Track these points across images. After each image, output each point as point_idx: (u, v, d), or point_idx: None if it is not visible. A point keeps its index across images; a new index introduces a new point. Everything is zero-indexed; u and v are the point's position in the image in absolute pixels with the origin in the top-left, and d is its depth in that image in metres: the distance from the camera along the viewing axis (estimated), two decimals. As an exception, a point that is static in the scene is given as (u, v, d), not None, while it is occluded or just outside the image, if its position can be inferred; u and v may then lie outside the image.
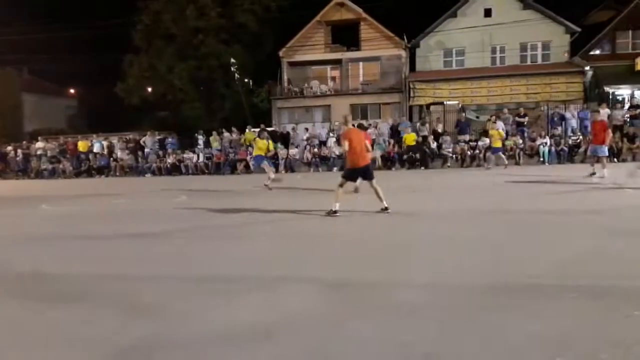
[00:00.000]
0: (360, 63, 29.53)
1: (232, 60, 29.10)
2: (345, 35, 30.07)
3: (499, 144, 18.36)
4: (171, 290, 4.38)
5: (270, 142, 14.38)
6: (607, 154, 13.16)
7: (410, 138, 20.62)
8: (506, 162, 18.12)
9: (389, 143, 21.68)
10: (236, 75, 29.26)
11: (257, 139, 14.36)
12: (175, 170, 23.30)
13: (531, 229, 6.64)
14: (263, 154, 13.80)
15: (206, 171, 23.02)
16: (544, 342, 2.96)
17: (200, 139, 23.92)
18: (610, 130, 13.51)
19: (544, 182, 12.66)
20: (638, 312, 3.39)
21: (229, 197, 12.44)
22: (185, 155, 23.66)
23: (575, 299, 3.69)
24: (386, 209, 7.92)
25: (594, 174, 12.41)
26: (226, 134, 24.06)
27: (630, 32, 27.06)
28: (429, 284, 4.23)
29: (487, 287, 4.08)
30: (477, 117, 24.65)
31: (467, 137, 21.08)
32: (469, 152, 20.57)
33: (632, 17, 26.80)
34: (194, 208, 10.11)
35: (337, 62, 29.90)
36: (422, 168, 20.14)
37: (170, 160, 23.69)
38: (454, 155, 20.89)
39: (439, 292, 4.00)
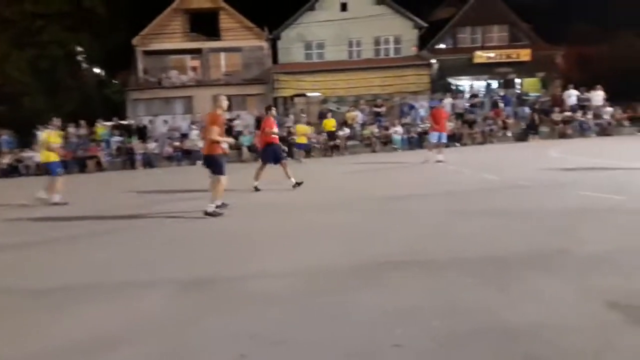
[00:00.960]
0: (222, 53, 28.82)
1: (79, 48, 26.48)
2: (205, 25, 29.11)
3: (303, 140, 18.29)
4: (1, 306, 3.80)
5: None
6: (446, 140, 14.30)
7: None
8: (302, 160, 17.67)
9: (255, 134, 21.53)
10: (83, 65, 26.70)
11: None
12: (13, 171, 20.62)
13: (384, 213, 7.00)
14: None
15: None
16: (386, 316, 3.12)
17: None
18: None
19: (399, 167, 13.53)
20: (471, 279, 3.71)
21: (76, 200, 11.28)
22: (24, 155, 21.02)
23: (417, 273, 3.93)
24: (212, 214, 7.02)
25: (440, 161, 13.11)
26: (72, 129, 21.87)
27: (469, 28, 30.11)
28: (286, 272, 4.23)
29: (341, 269, 4.19)
30: (338, 109, 25.58)
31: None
32: (330, 143, 21.27)
33: (470, 14, 29.80)
34: (34, 217, 8.98)
35: (197, 52, 28.83)
36: (289, 158, 20.35)
37: (6, 160, 20.89)
38: (317, 145, 21.44)
39: (294, 279, 4.03)
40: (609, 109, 22.26)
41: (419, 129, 21.85)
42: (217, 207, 7.15)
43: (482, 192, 8.15)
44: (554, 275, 3.70)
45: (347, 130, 21.97)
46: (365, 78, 27.05)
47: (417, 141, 21.31)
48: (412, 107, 23.95)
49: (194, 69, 29.37)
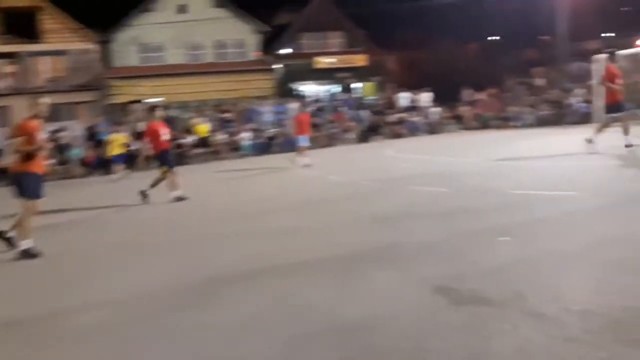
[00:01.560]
0: (43, 57, 25.76)
1: None
2: (22, 26, 25.70)
3: (120, 151, 16.04)
4: None
5: None
6: (308, 143, 14.19)
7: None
8: (120, 174, 15.15)
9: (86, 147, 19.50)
10: None
11: None
12: None
13: (225, 220, 6.70)
14: None
15: None
16: (226, 331, 2.93)
17: None
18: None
19: (252, 175, 13.29)
20: (311, 281, 3.61)
21: None
22: None
23: (261, 281, 3.75)
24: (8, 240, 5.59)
25: (308, 165, 12.76)
26: None
27: (309, 33, 31.10)
28: (112, 299, 3.72)
29: (176, 288, 3.82)
30: (181, 115, 24.49)
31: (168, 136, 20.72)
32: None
33: (309, 20, 30.83)
34: None
35: (13, 56, 25.36)
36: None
37: None
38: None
39: (119, 307, 3.52)
40: (436, 109, 24.68)
41: (267, 134, 21.90)
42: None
43: (327, 192, 8.29)
44: (387, 268, 3.84)
45: (191, 139, 21.16)
46: (208, 82, 26.37)
47: (266, 146, 21.32)
48: (258, 113, 23.92)
49: (10, 75, 25.77)
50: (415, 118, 24.02)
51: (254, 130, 21.96)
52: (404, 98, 25.39)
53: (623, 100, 9.65)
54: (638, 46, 20.02)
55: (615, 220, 4.57)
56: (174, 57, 27.03)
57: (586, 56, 22.01)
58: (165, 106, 23.90)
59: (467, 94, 25.90)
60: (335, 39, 31.46)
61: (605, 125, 9.63)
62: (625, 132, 9.22)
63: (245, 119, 23.59)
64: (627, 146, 9.02)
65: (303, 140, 13.81)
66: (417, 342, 2.53)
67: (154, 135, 8.98)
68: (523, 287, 3.06)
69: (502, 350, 2.34)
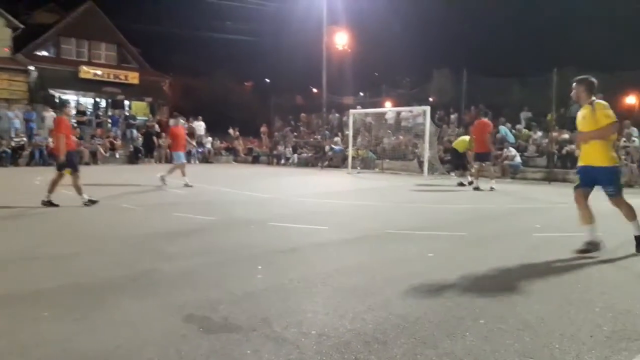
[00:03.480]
0: None
1: None
2: None
3: None
4: None
5: None
6: (184, 160, 12.70)
7: None
8: None
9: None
10: None
11: None
12: None
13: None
14: None
15: None
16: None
17: None
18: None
19: None
20: (48, 312, 3.15)
21: None
22: None
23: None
24: None
25: (187, 185, 11.65)
26: None
27: (74, 39, 28.13)
28: None
29: None
30: None
31: None
32: None
33: (76, 25, 27.95)
34: None
35: None
36: None
37: None
38: None
39: None
40: (209, 139, 24.89)
41: (13, 143, 18.87)
42: None
43: (83, 214, 7.50)
44: (140, 296, 3.64)
45: None
46: None
47: (10, 157, 18.31)
48: (5, 118, 20.50)
49: None
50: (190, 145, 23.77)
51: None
52: (200, 126, 24.89)
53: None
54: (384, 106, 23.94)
55: (353, 252, 5.24)
56: None
57: (342, 109, 25.36)
58: None
59: (232, 131, 26.70)
60: (105, 51, 29.26)
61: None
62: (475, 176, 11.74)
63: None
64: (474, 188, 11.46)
65: (178, 157, 12.30)
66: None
67: None
68: (270, 313, 3.23)
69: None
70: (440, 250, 5.25)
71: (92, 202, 8.21)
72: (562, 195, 9.36)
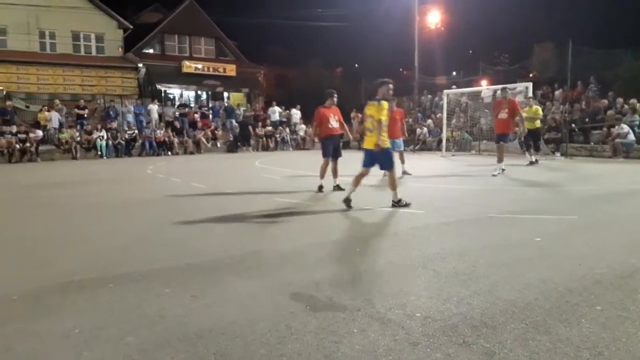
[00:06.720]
0: None
1: None
2: None
3: None
4: None
5: None
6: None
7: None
8: None
9: None
10: None
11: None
12: None
13: (77, 221, 6.14)
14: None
15: None
16: (69, 341, 2.68)
17: None
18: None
19: (105, 180, 12.32)
20: (167, 289, 3.45)
21: None
22: None
23: (113, 288, 3.51)
24: None
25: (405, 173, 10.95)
26: None
27: (176, 36, 29.98)
28: None
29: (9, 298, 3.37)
30: (27, 107, 21.95)
31: (14, 129, 18.44)
32: (17, 146, 18.03)
33: (176, 23, 29.74)
34: None
35: None
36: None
37: None
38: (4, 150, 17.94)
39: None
40: (303, 127, 25.41)
41: (127, 136, 20.58)
42: None
43: (190, 200, 8.03)
44: (248, 276, 3.82)
45: (39, 132, 19.13)
46: (62, 75, 24.10)
47: (125, 148, 20.01)
48: (118, 112, 22.38)
49: None
50: (285, 133, 24.46)
51: (112, 130, 20.48)
52: (275, 112, 25.70)
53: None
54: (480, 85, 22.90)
55: (452, 236, 5.12)
56: (20, 42, 24.19)
57: (434, 90, 24.60)
58: (8, 96, 21.32)
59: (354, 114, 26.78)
60: (204, 45, 30.84)
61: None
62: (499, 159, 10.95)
63: (104, 118, 21.93)
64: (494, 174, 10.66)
65: (397, 145, 10.79)
66: (273, 346, 2.56)
67: None
68: (373, 294, 3.27)
69: (350, 352, 2.47)
70: (548, 235, 4.97)
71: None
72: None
